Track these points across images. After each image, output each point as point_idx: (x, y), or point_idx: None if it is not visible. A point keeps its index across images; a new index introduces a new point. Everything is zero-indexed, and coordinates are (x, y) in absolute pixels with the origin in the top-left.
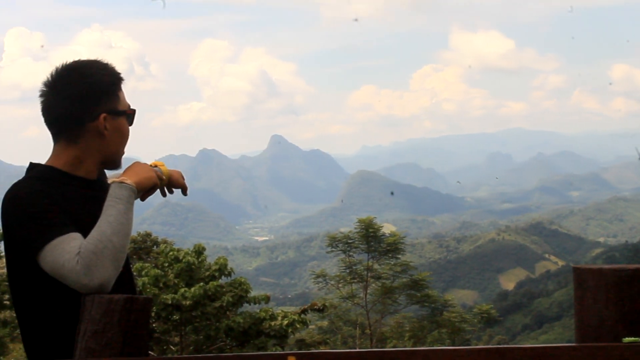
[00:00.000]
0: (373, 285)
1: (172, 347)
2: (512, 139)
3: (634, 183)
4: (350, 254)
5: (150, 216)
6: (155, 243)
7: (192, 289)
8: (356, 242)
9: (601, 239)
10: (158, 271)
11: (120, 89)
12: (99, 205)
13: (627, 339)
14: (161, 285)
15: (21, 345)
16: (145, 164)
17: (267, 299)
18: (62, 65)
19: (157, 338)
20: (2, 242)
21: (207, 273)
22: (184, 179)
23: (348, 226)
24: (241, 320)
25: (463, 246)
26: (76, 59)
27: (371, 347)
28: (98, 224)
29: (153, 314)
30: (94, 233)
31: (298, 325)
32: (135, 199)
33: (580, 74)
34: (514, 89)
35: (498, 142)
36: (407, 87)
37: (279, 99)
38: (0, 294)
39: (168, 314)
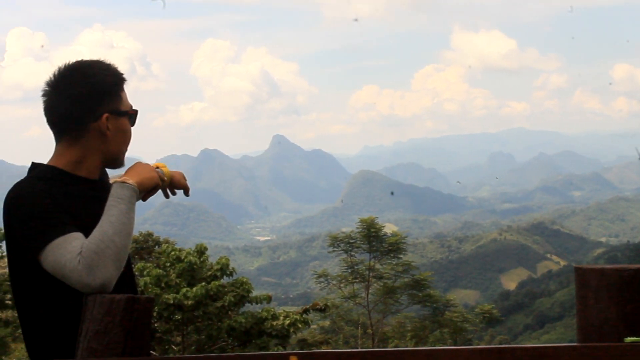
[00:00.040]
0: (375, 285)
1: (173, 347)
2: (513, 139)
3: (636, 183)
4: (352, 253)
5: (152, 216)
6: (157, 243)
7: (194, 289)
8: (358, 242)
9: (603, 239)
10: (160, 271)
11: (122, 89)
12: (101, 205)
13: (628, 339)
14: (163, 285)
15: (23, 345)
16: (147, 164)
17: (268, 299)
18: (65, 65)
19: (158, 338)
20: (4, 242)
21: (209, 273)
22: (186, 180)
23: (350, 226)
24: (243, 320)
25: (465, 246)
26: (79, 59)
27: (373, 347)
28: (100, 223)
29: (155, 314)
30: (96, 233)
31: (300, 325)
32: (138, 199)
33: (580, 74)
34: (516, 88)
35: (500, 142)
36: (409, 87)
37: (281, 98)
38: (2, 294)
39: (170, 313)
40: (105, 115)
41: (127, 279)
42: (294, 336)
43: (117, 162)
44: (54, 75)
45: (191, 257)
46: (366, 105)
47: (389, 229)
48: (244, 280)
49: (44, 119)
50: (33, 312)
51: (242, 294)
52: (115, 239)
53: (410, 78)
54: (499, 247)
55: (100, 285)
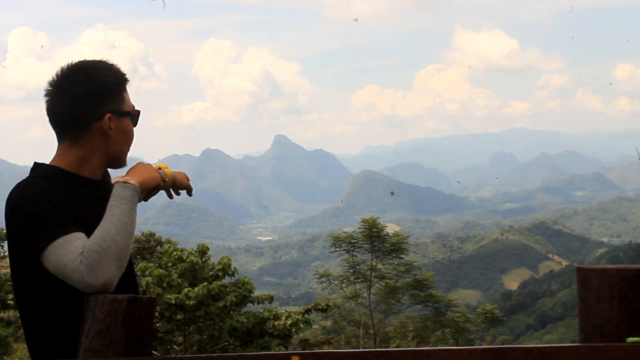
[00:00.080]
0: (377, 285)
1: (175, 346)
2: (515, 139)
3: (638, 183)
4: (354, 253)
5: (154, 216)
6: (159, 243)
7: (196, 289)
8: (360, 242)
9: (605, 239)
10: (162, 271)
11: (125, 89)
12: (102, 205)
13: (630, 339)
14: (165, 285)
15: (25, 345)
16: (149, 164)
17: (270, 299)
18: (68, 65)
19: (160, 338)
20: (6, 242)
21: (211, 273)
22: (189, 180)
23: (351, 226)
24: (245, 320)
25: (466, 246)
26: (81, 59)
27: (375, 347)
28: (101, 223)
29: (157, 314)
30: (98, 233)
31: (302, 325)
32: (139, 199)
33: (580, 74)
34: (518, 88)
35: (501, 142)
36: (411, 87)
37: (283, 98)
38: (4, 294)
39: (172, 313)
40: (108, 115)
41: (128, 279)
42: (295, 336)
43: (119, 162)
44: (57, 75)
45: (193, 257)
46: (368, 105)
47: (390, 229)
48: (246, 280)
49: (46, 118)
50: (35, 312)
51: (243, 294)
52: (117, 239)
53: (412, 78)
54: (500, 247)
55: (102, 285)
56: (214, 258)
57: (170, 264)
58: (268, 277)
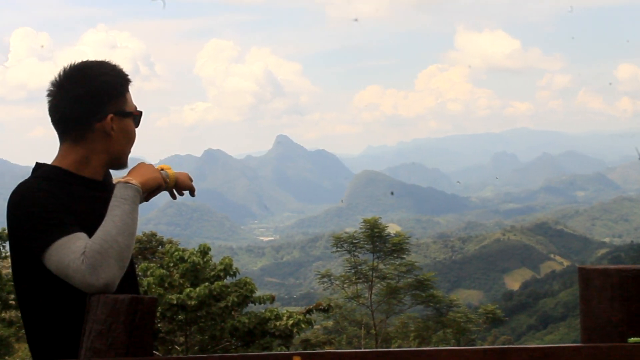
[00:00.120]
0: (378, 285)
1: (177, 347)
2: (517, 139)
3: None
4: (355, 254)
5: (156, 216)
6: (161, 243)
7: (197, 289)
8: (361, 242)
9: (607, 239)
10: (163, 271)
11: (127, 90)
12: (104, 206)
13: (632, 339)
14: (166, 285)
15: (26, 345)
16: (150, 164)
17: (272, 299)
18: (70, 66)
19: (162, 338)
20: (8, 242)
21: (212, 273)
22: (192, 181)
23: (353, 226)
24: (246, 320)
25: (468, 246)
26: (83, 59)
27: (376, 347)
28: (103, 224)
29: (158, 314)
30: (99, 233)
31: (303, 326)
32: (141, 199)
33: (582, 74)
34: (520, 88)
35: (503, 142)
36: (413, 87)
37: (284, 99)
38: (5, 294)
39: (173, 314)
40: (110, 115)
41: (129, 279)
42: (297, 336)
43: (121, 163)
44: (59, 75)
45: (194, 257)
46: (370, 105)
47: (392, 229)
48: (247, 280)
49: (48, 119)
50: (36, 312)
51: (245, 294)
52: (118, 239)
53: (414, 78)
54: (502, 247)
55: (103, 285)
56: (216, 258)
57: (171, 264)
58: (269, 277)
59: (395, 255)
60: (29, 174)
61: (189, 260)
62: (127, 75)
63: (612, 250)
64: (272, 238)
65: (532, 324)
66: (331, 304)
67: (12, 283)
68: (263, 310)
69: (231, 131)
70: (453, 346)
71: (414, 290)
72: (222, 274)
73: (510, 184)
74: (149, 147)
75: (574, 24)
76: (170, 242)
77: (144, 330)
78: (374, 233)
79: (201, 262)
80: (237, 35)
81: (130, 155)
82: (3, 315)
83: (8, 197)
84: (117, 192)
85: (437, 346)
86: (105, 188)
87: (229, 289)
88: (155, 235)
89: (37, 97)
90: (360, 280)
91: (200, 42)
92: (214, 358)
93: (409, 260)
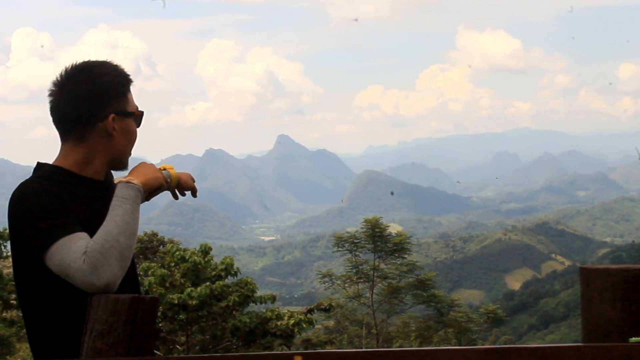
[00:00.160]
0: (379, 285)
1: (178, 346)
2: (518, 139)
3: None
4: (357, 253)
5: (157, 216)
6: (162, 243)
7: (199, 289)
8: (362, 242)
9: (608, 239)
10: (164, 271)
11: (129, 90)
12: (105, 206)
13: (633, 339)
14: (167, 285)
15: (27, 345)
16: (152, 164)
17: (273, 299)
18: (72, 66)
19: (163, 338)
20: (9, 242)
21: (214, 273)
22: (194, 181)
23: (354, 226)
24: (247, 320)
25: (469, 246)
26: (85, 59)
27: (377, 347)
28: (104, 223)
29: (159, 314)
30: (101, 233)
31: (304, 325)
32: (142, 199)
33: (582, 74)
34: (521, 88)
35: (505, 142)
36: (414, 87)
37: (286, 98)
38: (6, 294)
39: (174, 313)
40: (112, 115)
41: (130, 279)
42: (298, 336)
43: (122, 163)
44: (61, 75)
45: (196, 257)
46: (371, 105)
47: (393, 228)
48: (249, 280)
49: (50, 119)
50: (37, 312)
51: (246, 293)
52: (119, 239)
53: (415, 78)
54: (503, 247)
55: (105, 285)
56: (217, 258)
57: (172, 264)
58: (271, 277)
59: (396, 255)
60: (30, 174)
61: (190, 260)
62: (128, 75)
63: (614, 250)
64: (273, 238)
65: (533, 324)
66: (332, 304)
67: (14, 282)
68: (264, 310)
69: (232, 131)
70: (454, 346)
71: (415, 290)
72: (223, 273)
73: (511, 183)
74: (150, 147)
75: (575, 23)
76: (172, 241)
77: (145, 330)
78: (375, 233)
79: (202, 262)
80: (238, 35)
81: (131, 155)
82: (4, 314)
83: (9, 197)
84: (118, 191)
85: (438, 346)
86: (107, 188)
87: (230, 289)
88: (157, 235)
89: (38, 97)
90: (362, 280)
91: (201, 42)
92: (215, 358)
93: (410, 260)
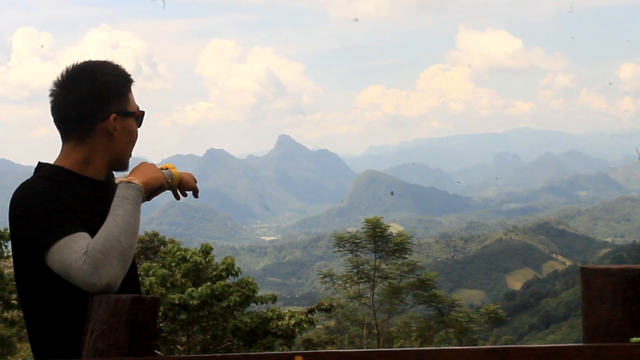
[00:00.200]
0: (380, 285)
1: (179, 346)
2: (519, 139)
3: None
4: (358, 253)
5: (158, 216)
6: (163, 243)
7: (199, 289)
8: (363, 242)
9: (609, 239)
10: (165, 271)
11: (130, 90)
12: (106, 206)
13: (634, 339)
14: (168, 285)
15: (28, 345)
16: (153, 164)
17: (274, 299)
18: (73, 66)
19: (164, 338)
20: (10, 242)
21: (214, 273)
22: (196, 181)
23: (355, 226)
24: (248, 320)
25: (470, 246)
26: (86, 59)
27: (378, 347)
28: (105, 223)
29: (160, 314)
30: (102, 233)
31: (305, 325)
32: (143, 199)
33: (582, 74)
34: (522, 88)
35: (505, 142)
36: (415, 87)
37: (287, 98)
38: (7, 294)
39: (175, 313)
40: (113, 115)
41: (130, 279)
42: (299, 336)
43: (123, 163)
44: (62, 75)
45: (196, 257)
46: (372, 105)
47: (394, 229)
48: (249, 280)
49: (51, 119)
50: (38, 312)
51: (247, 293)
52: (120, 239)
53: (416, 78)
54: (504, 247)
55: (105, 285)
56: (218, 258)
57: (173, 264)
58: (271, 277)
59: (397, 255)
60: (31, 174)
61: (191, 260)
62: (129, 75)
63: (614, 250)
64: (274, 238)
65: (534, 324)
66: (333, 304)
67: (14, 282)
68: (265, 310)
69: (233, 131)
70: (455, 346)
71: (416, 290)
72: (224, 273)
73: (512, 183)
74: (151, 147)
75: (575, 23)
76: (173, 241)
77: (146, 330)
78: (376, 233)
79: (203, 262)
80: (239, 35)
81: (132, 155)
82: (5, 314)
83: (10, 197)
84: (119, 191)
85: (439, 346)
86: (108, 188)
87: (231, 289)
88: (158, 235)
89: (39, 97)
90: (362, 280)
91: (202, 42)
92: (216, 358)
93: (411, 260)
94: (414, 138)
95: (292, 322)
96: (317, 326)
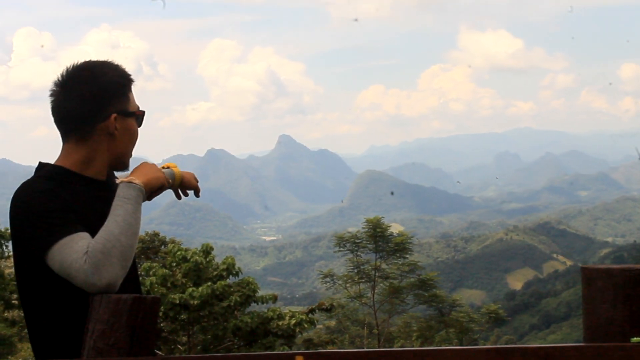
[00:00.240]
0: (381, 285)
1: (179, 346)
2: (520, 139)
3: None
4: (358, 253)
5: (158, 216)
6: (163, 243)
7: (200, 289)
8: (364, 241)
9: (609, 239)
10: (166, 271)
11: (130, 90)
12: (107, 206)
13: (635, 339)
14: (169, 284)
15: (29, 345)
16: (153, 164)
17: (274, 299)
18: (73, 65)
19: (164, 338)
20: (11, 242)
21: (215, 273)
22: (197, 181)
23: (356, 226)
24: (249, 320)
25: (471, 246)
26: (86, 59)
27: (379, 347)
28: (106, 223)
29: (161, 314)
30: (102, 233)
31: (306, 325)
32: (144, 199)
33: (582, 74)
34: (523, 88)
35: (506, 142)
36: (415, 86)
37: (287, 98)
38: (8, 294)
39: (176, 313)
40: (114, 115)
41: (132, 278)
42: (299, 336)
43: (123, 163)
44: (62, 75)
45: (197, 257)
46: (372, 105)
47: (395, 228)
48: (250, 280)
49: (51, 119)
50: (39, 312)
51: (248, 293)
52: (121, 239)
53: (417, 78)
54: (505, 247)
55: (106, 285)
56: (218, 258)
57: (174, 264)
58: (272, 277)
59: (397, 255)
60: (32, 174)
61: (191, 260)
62: (129, 74)
63: (615, 250)
64: (275, 238)
65: (535, 324)
66: (334, 304)
67: (15, 282)
68: (265, 310)
69: (234, 131)
70: (456, 346)
71: (416, 290)
72: (224, 273)
73: (513, 183)
74: (152, 147)
75: (576, 23)
76: (173, 241)
77: (146, 330)
78: (377, 233)
79: (204, 262)
80: (240, 35)
81: (133, 155)
82: (6, 314)
83: (11, 197)
84: (119, 191)
85: (440, 346)
86: (109, 188)
87: (232, 289)
88: (158, 235)
89: (40, 96)
90: (363, 280)
91: (202, 42)
92: (216, 358)
93: (412, 260)
94: (415, 138)
95: (293, 322)
96: (317, 326)
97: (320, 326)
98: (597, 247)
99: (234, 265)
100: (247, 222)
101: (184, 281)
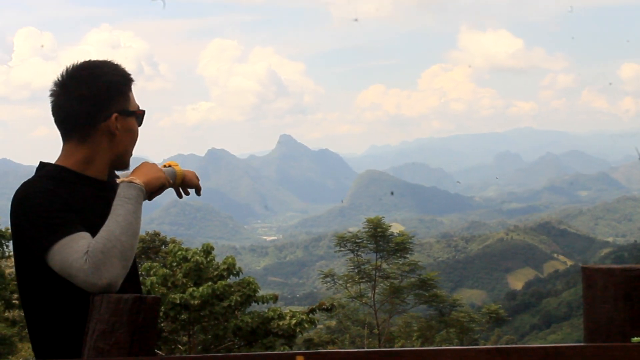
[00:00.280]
0: (381, 284)
1: (180, 346)
2: (520, 139)
3: None
4: (359, 253)
5: (159, 216)
6: (164, 242)
7: (201, 289)
8: (364, 241)
9: (610, 239)
10: (166, 271)
11: (130, 89)
12: (108, 206)
13: (635, 339)
14: (169, 284)
15: (29, 345)
16: (154, 163)
17: (275, 299)
18: (73, 65)
19: (165, 337)
20: (11, 241)
21: (216, 272)
22: (198, 180)
23: (356, 226)
24: (249, 320)
25: (471, 246)
26: (87, 59)
27: (379, 347)
28: (106, 223)
29: (161, 314)
30: (103, 232)
31: (306, 325)
32: (144, 199)
33: (582, 74)
34: (523, 88)
35: (507, 142)
36: (416, 86)
37: (288, 98)
38: (8, 294)
39: (176, 313)
40: (115, 115)
41: (132, 278)
42: (300, 336)
43: (124, 163)
44: (63, 75)
45: (198, 257)
46: (373, 104)
47: (395, 228)
48: (251, 279)
49: (52, 118)
50: (39, 312)
51: (248, 293)
52: (122, 239)
53: (417, 78)
54: (505, 247)
55: (106, 285)
56: (219, 258)
57: (175, 264)
58: (273, 277)
59: (398, 254)
60: (33, 174)
61: (192, 260)
62: (130, 74)
63: (616, 249)
64: (275, 238)
65: (535, 324)
66: (334, 304)
67: (16, 282)
68: (266, 310)
69: (234, 131)
70: (456, 346)
71: (417, 290)
72: (225, 273)
73: (513, 183)
74: (153, 147)
75: (576, 23)
76: (174, 241)
77: (147, 329)
78: (377, 233)
79: (204, 262)
80: (240, 35)
81: (133, 155)
82: (6, 314)
83: (12, 196)
84: (120, 191)
85: (440, 346)
86: (109, 187)
87: (232, 289)
88: (159, 235)
89: (40, 96)
90: (364, 280)
91: (203, 42)
92: (217, 358)
93: (412, 260)
94: (415, 138)
95: (293, 321)
96: (318, 326)
97: (321, 326)
98: (597, 247)
99: (234, 265)
100: (247, 222)
101: (184, 281)
